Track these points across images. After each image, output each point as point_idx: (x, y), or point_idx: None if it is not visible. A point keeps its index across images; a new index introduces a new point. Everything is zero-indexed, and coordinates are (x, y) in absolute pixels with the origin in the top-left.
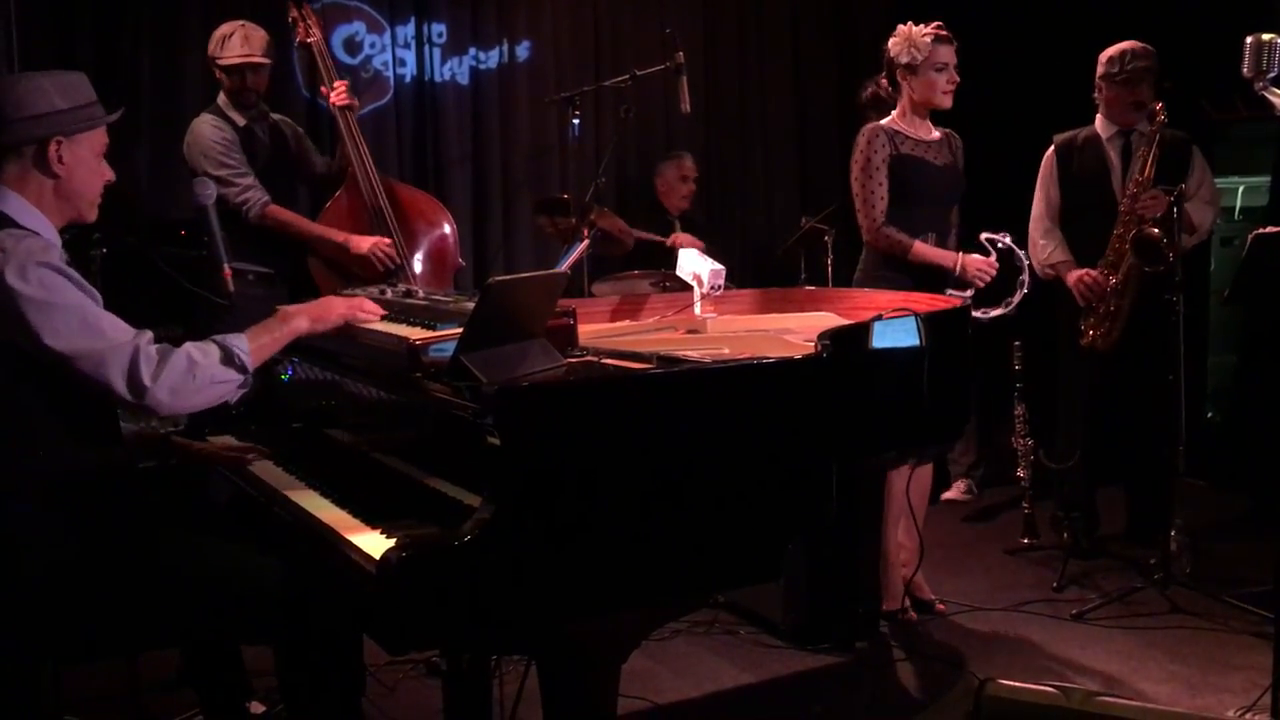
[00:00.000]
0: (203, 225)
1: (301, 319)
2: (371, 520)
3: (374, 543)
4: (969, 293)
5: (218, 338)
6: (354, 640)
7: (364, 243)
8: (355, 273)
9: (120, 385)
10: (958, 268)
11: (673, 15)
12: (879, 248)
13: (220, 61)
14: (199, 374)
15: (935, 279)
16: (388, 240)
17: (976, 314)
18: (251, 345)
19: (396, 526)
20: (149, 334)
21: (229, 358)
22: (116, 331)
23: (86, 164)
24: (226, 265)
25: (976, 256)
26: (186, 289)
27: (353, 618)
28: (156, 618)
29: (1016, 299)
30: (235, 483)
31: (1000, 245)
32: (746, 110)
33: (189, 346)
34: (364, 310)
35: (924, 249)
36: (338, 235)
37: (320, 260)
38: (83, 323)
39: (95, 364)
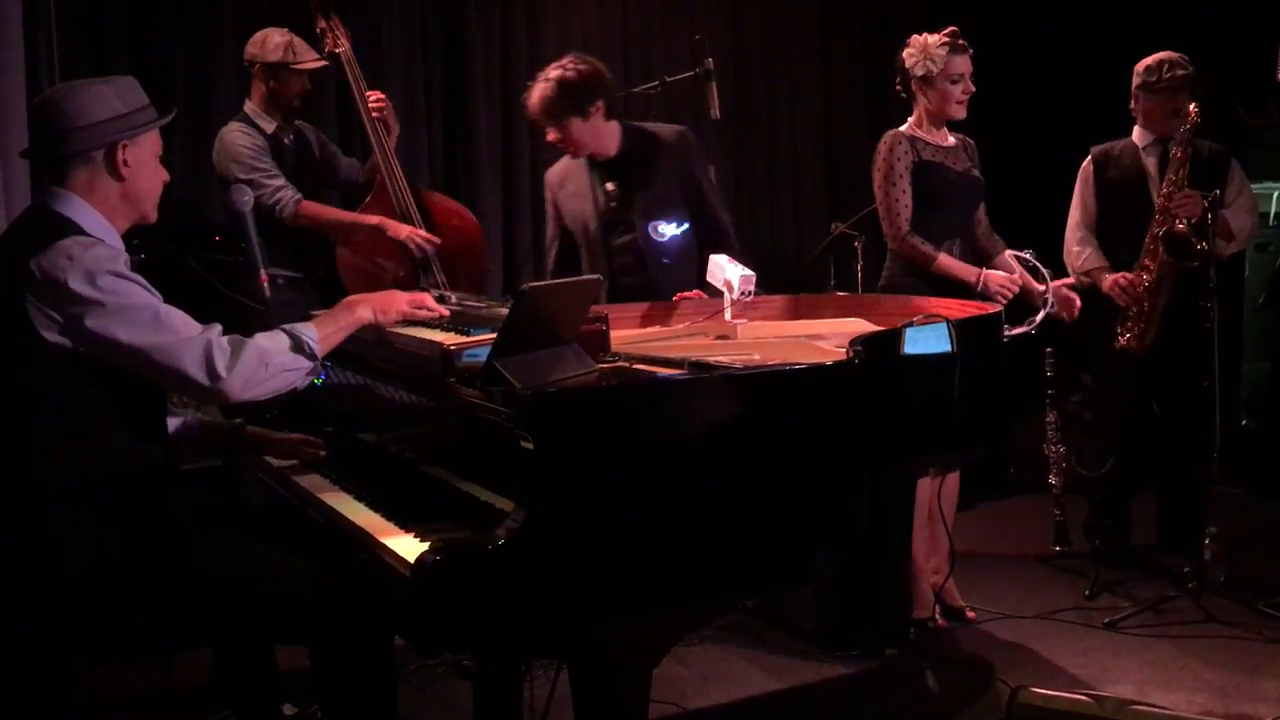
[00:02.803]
0: (239, 231)
1: (366, 309)
2: (405, 524)
3: (408, 546)
4: (999, 307)
5: (286, 326)
6: (385, 642)
7: (401, 229)
8: (384, 270)
9: (198, 375)
10: (979, 283)
11: (702, 21)
12: (904, 256)
13: (296, 66)
14: (271, 362)
15: (960, 288)
16: (425, 232)
17: None
18: (320, 333)
19: (429, 530)
20: (218, 327)
21: (299, 345)
22: (188, 326)
23: (149, 165)
24: (263, 271)
25: (999, 273)
26: (222, 294)
27: (385, 620)
28: (192, 617)
29: (1039, 318)
30: (269, 484)
31: (1026, 262)
32: (776, 116)
33: (260, 336)
34: (426, 305)
35: (947, 261)
36: (373, 219)
37: (349, 261)
38: (155, 318)
39: (170, 356)
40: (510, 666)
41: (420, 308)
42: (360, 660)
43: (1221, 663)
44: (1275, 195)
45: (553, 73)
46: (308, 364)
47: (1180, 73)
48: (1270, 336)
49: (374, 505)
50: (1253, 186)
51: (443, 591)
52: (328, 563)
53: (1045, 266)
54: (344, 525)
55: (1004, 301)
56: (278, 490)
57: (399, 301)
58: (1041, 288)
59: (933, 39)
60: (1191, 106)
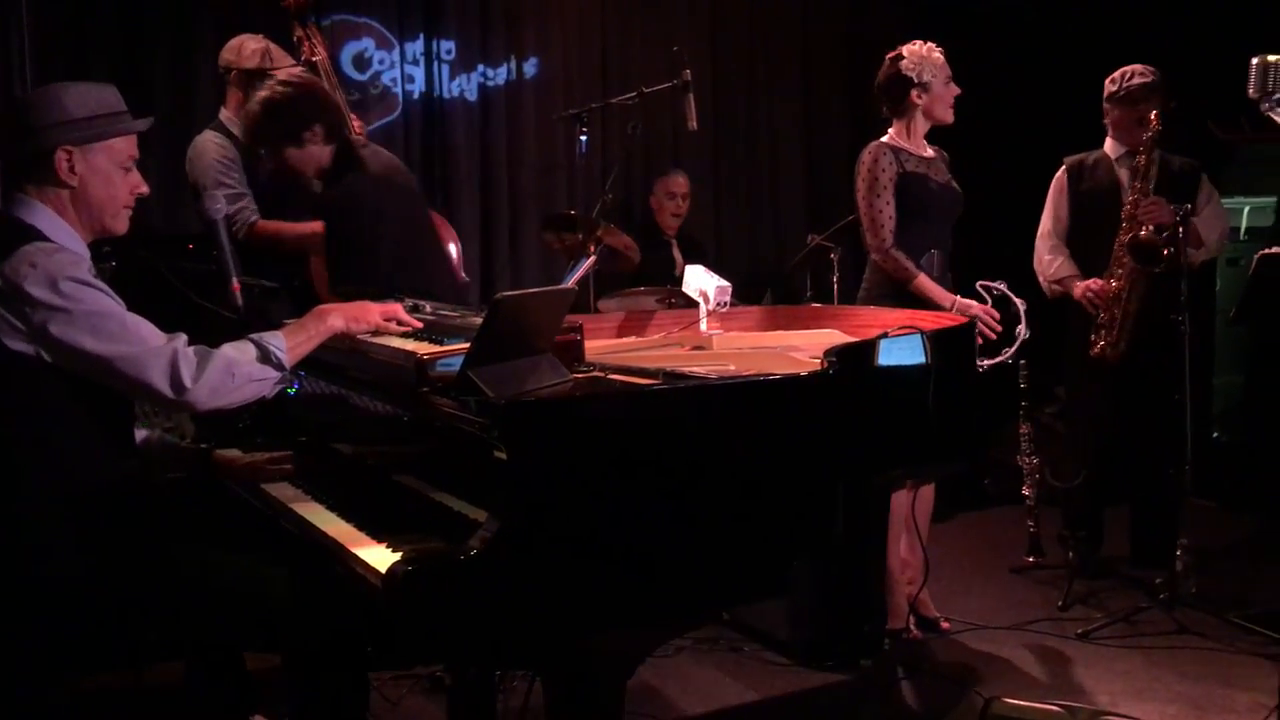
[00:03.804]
0: (212, 239)
1: (337, 318)
2: (377, 534)
3: (379, 556)
4: (972, 319)
5: (254, 336)
6: (359, 653)
7: None
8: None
9: (163, 386)
10: (954, 309)
11: (681, 32)
12: (886, 269)
13: (274, 72)
14: (238, 373)
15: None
16: None
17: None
18: (288, 343)
19: (402, 540)
20: (183, 336)
21: (266, 356)
22: (153, 335)
23: (103, 174)
24: (235, 279)
25: (971, 301)
26: (195, 302)
27: (357, 631)
28: (167, 629)
29: (1013, 348)
30: (242, 495)
31: (995, 293)
32: (754, 128)
33: (227, 346)
34: (398, 317)
35: (925, 283)
36: None
37: (323, 270)
38: (121, 327)
39: (135, 366)
40: (484, 677)
41: (392, 319)
42: (334, 671)
43: (1193, 674)
44: (1246, 210)
45: (260, 93)
46: (275, 374)
47: (1139, 81)
48: (1242, 350)
49: (346, 515)
50: (1225, 201)
51: (414, 602)
52: (302, 573)
53: (1018, 297)
54: (315, 536)
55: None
56: (251, 501)
57: (371, 312)
58: (994, 332)
59: (928, 45)
60: (1153, 115)
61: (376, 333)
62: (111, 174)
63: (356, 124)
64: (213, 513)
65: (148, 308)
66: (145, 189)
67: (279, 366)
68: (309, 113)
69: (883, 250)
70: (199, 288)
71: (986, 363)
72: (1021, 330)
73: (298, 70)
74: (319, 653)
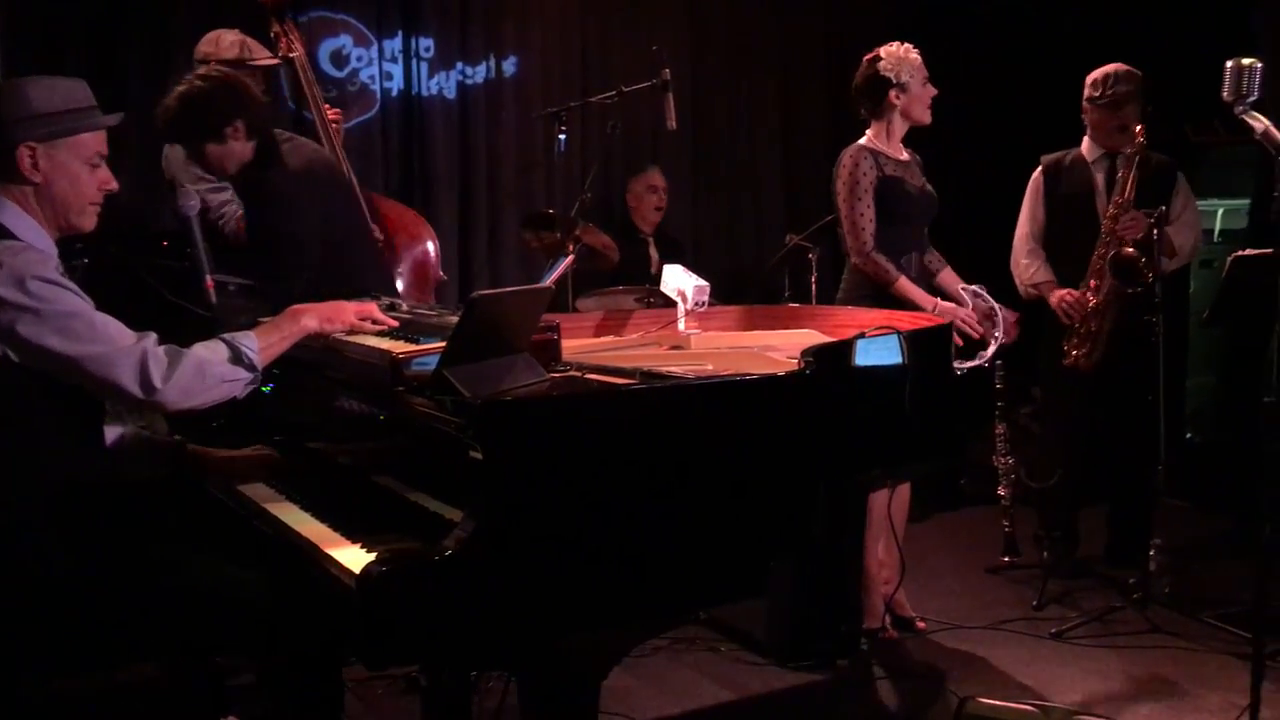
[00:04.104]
0: (186, 236)
1: (311, 318)
2: (352, 534)
3: (354, 557)
4: (948, 320)
5: (226, 336)
6: (333, 655)
7: None
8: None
9: (132, 386)
10: (934, 312)
11: (660, 32)
12: (867, 272)
13: (252, 63)
14: (209, 373)
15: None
16: (376, 230)
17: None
18: (260, 343)
19: (377, 541)
20: (153, 336)
21: (238, 356)
22: (122, 335)
23: (68, 171)
24: (209, 276)
25: (952, 305)
26: (169, 300)
27: (332, 632)
28: (139, 630)
29: (990, 351)
30: (217, 496)
31: (976, 296)
32: (734, 127)
33: (198, 347)
34: (374, 317)
35: (907, 285)
36: None
37: None
38: (88, 327)
39: (104, 366)
40: (459, 678)
41: (367, 319)
42: (308, 672)
43: (1166, 673)
44: (1220, 212)
45: (178, 88)
46: (247, 375)
47: (1124, 88)
48: (1215, 352)
49: (320, 515)
50: (1199, 203)
51: (388, 603)
52: (277, 574)
53: (997, 301)
54: (290, 536)
55: (959, 341)
56: (225, 500)
57: (345, 312)
58: (976, 330)
59: (905, 46)
60: (1138, 128)
61: (352, 332)
62: (77, 170)
63: (335, 115)
64: (187, 513)
65: (121, 305)
66: (114, 185)
67: (250, 367)
68: (231, 108)
69: (864, 254)
70: (173, 285)
71: (964, 365)
72: (999, 335)
73: (209, 69)
74: (293, 654)
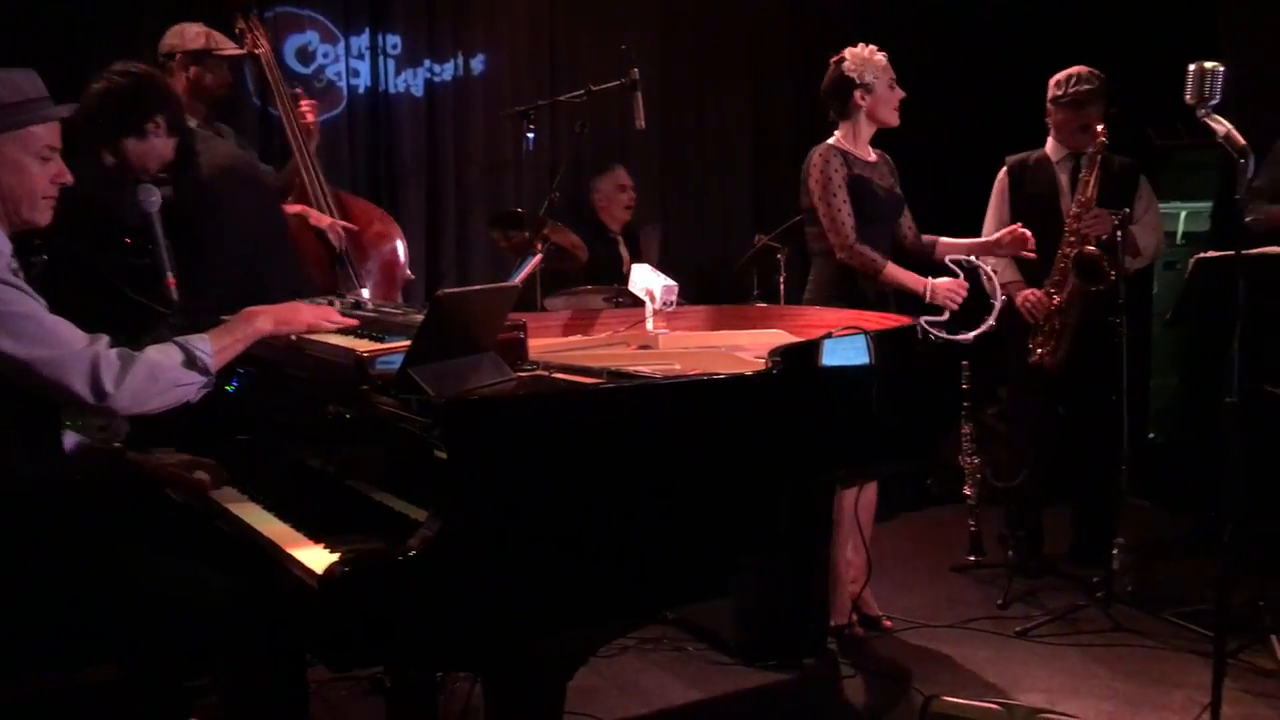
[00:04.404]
0: (147, 233)
1: (266, 320)
2: (316, 535)
3: (317, 557)
4: (945, 315)
5: (179, 339)
6: (297, 657)
7: (324, 218)
8: (303, 271)
9: (84, 391)
10: (927, 292)
11: (629, 31)
12: (853, 264)
13: (218, 53)
14: (161, 377)
15: (886, 302)
16: (345, 223)
17: (958, 337)
18: (214, 346)
19: (341, 541)
20: (105, 339)
21: (191, 360)
22: (74, 338)
23: (14, 164)
24: (170, 274)
25: (945, 280)
26: (130, 297)
27: (296, 634)
28: (99, 632)
29: (994, 315)
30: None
31: (966, 264)
32: (702, 127)
33: (150, 350)
34: (330, 319)
35: (896, 270)
36: (295, 207)
37: None
38: (39, 328)
39: (55, 370)
40: (424, 680)
41: (323, 320)
42: (272, 674)
43: (1129, 671)
44: (1183, 215)
45: (96, 85)
46: (200, 378)
47: (1086, 87)
48: (1178, 352)
49: (284, 516)
50: (1161, 206)
51: (352, 604)
52: (240, 575)
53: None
54: (252, 536)
55: (953, 308)
56: (187, 502)
57: (302, 314)
58: (987, 285)
59: (870, 48)
60: (1100, 128)
61: (310, 332)
62: (26, 164)
63: (309, 106)
64: (150, 514)
65: (81, 302)
66: (68, 178)
67: (204, 371)
68: (151, 103)
69: (848, 247)
70: (135, 282)
71: (970, 335)
72: (997, 300)
73: (127, 65)
74: (256, 656)
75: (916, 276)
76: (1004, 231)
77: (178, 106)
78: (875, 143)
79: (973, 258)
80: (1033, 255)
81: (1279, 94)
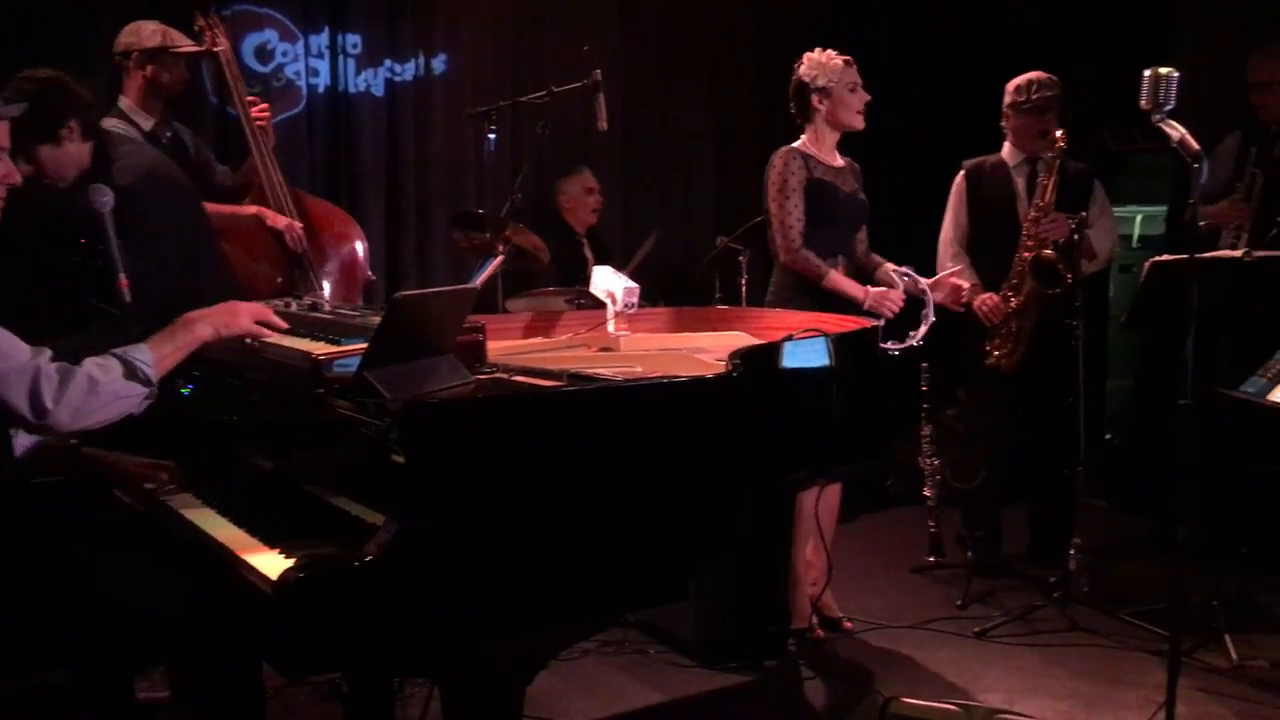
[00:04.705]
0: (99, 233)
1: (205, 325)
2: (270, 539)
3: (272, 563)
4: (880, 323)
5: (118, 351)
6: (253, 661)
7: (280, 219)
8: (259, 273)
9: (22, 407)
10: (867, 301)
11: (591, 32)
12: (795, 269)
13: (175, 49)
14: (101, 391)
15: (847, 305)
16: (301, 225)
17: (886, 345)
18: (154, 356)
19: (297, 546)
20: (48, 352)
21: (131, 372)
22: (16, 351)
23: None
24: (122, 274)
25: (884, 289)
26: (82, 299)
27: (252, 639)
28: (52, 637)
29: (922, 331)
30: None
31: (904, 278)
32: (665, 129)
33: (89, 364)
34: (267, 319)
35: (837, 278)
36: (251, 208)
37: (229, 254)
38: None
39: None
40: (381, 685)
41: (261, 322)
42: (228, 680)
43: (1085, 671)
44: (1138, 218)
45: (3, 95)
46: (142, 390)
47: (1047, 94)
48: (1133, 354)
49: (239, 520)
50: (1117, 210)
51: (307, 610)
52: (195, 580)
53: (922, 278)
54: (205, 541)
55: (890, 315)
56: (139, 506)
57: (241, 315)
58: (923, 299)
59: (827, 52)
60: (1058, 133)
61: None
62: None
63: (262, 110)
64: (103, 515)
65: (33, 304)
66: (16, 179)
67: (146, 382)
68: (64, 107)
69: (792, 251)
70: (88, 284)
71: (897, 346)
72: (928, 313)
73: (32, 72)
74: (211, 660)
75: (857, 284)
76: (947, 275)
77: (91, 110)
78: (850, 144)
79: (910, 271)
80: (960, 309)
81: (1230, 99)
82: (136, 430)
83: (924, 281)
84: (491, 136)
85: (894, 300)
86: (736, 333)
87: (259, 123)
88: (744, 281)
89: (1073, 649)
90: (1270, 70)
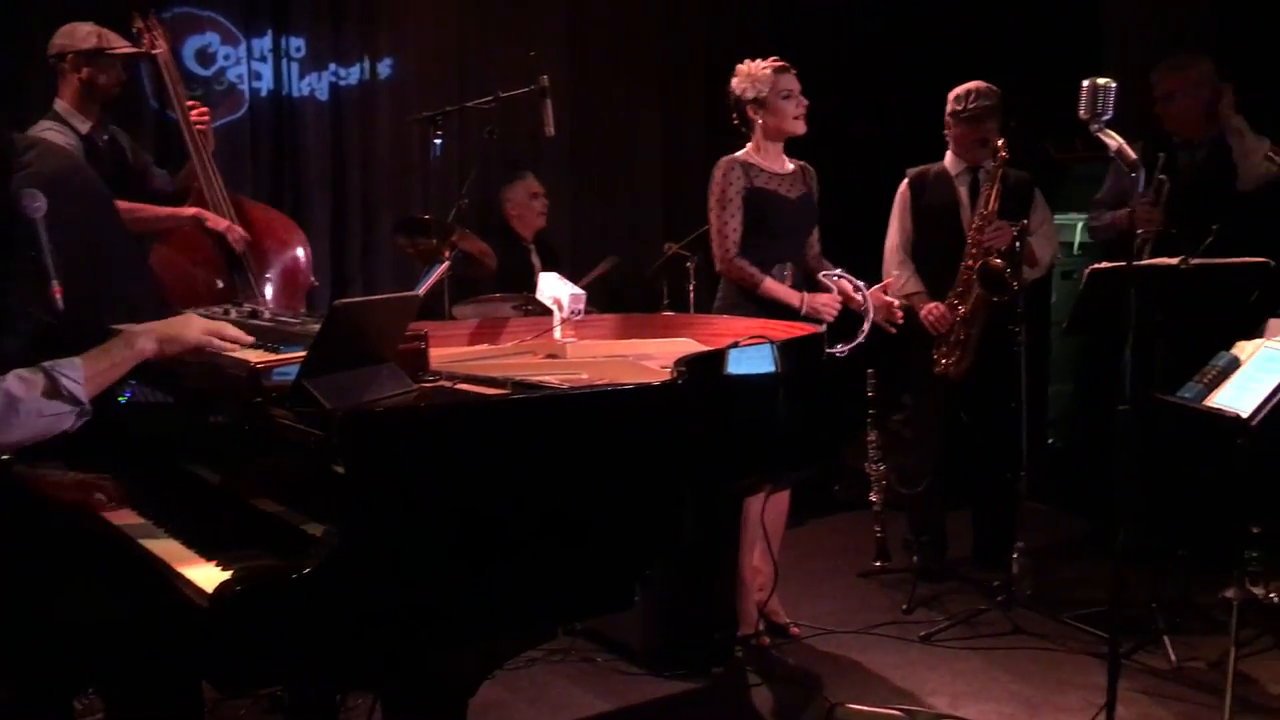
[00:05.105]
0: (31, 239)
1: (148, 340)
2: (207, 551)
3: (208, 575)
4: (823, 328)
5: (47, 365)
6: (191, 675)
7: (220, 221)
8: (197, 278)
9: None
10: (803, 307)
11: (539, 37)
12: (730, 278)
13: (111, 51)
14: (21, 409)
15: (792, 311)
16: (242, 229)
17: (832, 351)
18: (88, 372)
19: (235, 559)
20: None
21: (55, 389)
22: None
23: None
24: (55, 281)
25: (821, 295)
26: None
27: (189, 653)
28: None
29: (866, 327)
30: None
31: (837, 279)
32: (613, 134)
33: (11, 379)
34: (225, 335)
35: (772, 285)
36: (190, 210)
37: (167, 258)
38: None
39: None
40: (324, 697)
41: (214, 335)
42: (165, 696)
43: (1028, 674)
44: (1079, 226)
45: None
46: (68, 408)
47: (985, 103)
48: (1074, 360)
49: (174, 532)
50: (1059, 218)
51: (245, 623)
52: (130, 595)
53: (858, 279)
54: (139, 554)
55: (830, 318)
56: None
57: (190, 330)
58: (859, 298)
59: (757, 63)
60: (1000, 142)
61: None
62: None
63: (201, 114)
64: (36, 530)
65: None
66: None
67: (72, 400)
68: None
69: (727, 260)
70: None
71: (844, 348)
72: (868, 308)
73: None
74: (148, 675)
75: (792, 291)
76: (877, 290)
77: None
78: (797, 151)
79: (841, 273)
80: (893, 331)
81: (1135, 109)
82: (71, 443)
83: (859, 283)
84: (438, 142)
85: (829, 304)
86: (683, 339)
87: (198, 127)
88: (692, 288)
89: (1016, 652)
90: (1173, 82)
